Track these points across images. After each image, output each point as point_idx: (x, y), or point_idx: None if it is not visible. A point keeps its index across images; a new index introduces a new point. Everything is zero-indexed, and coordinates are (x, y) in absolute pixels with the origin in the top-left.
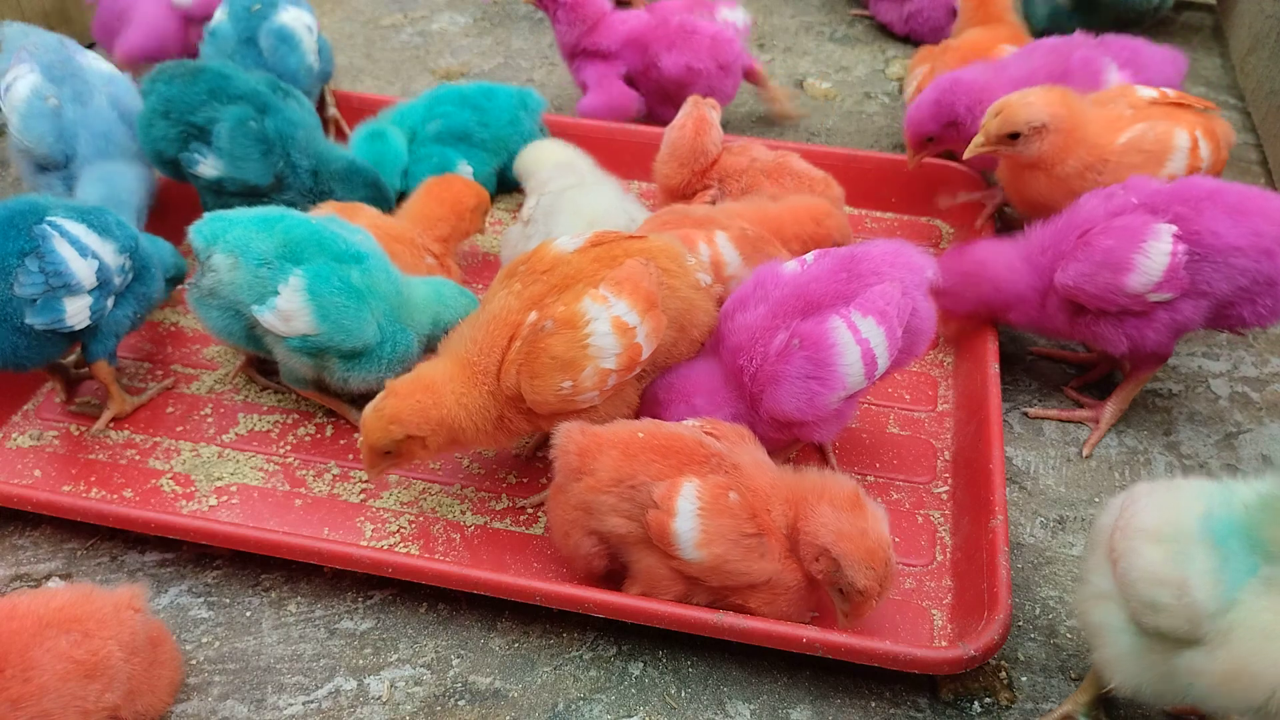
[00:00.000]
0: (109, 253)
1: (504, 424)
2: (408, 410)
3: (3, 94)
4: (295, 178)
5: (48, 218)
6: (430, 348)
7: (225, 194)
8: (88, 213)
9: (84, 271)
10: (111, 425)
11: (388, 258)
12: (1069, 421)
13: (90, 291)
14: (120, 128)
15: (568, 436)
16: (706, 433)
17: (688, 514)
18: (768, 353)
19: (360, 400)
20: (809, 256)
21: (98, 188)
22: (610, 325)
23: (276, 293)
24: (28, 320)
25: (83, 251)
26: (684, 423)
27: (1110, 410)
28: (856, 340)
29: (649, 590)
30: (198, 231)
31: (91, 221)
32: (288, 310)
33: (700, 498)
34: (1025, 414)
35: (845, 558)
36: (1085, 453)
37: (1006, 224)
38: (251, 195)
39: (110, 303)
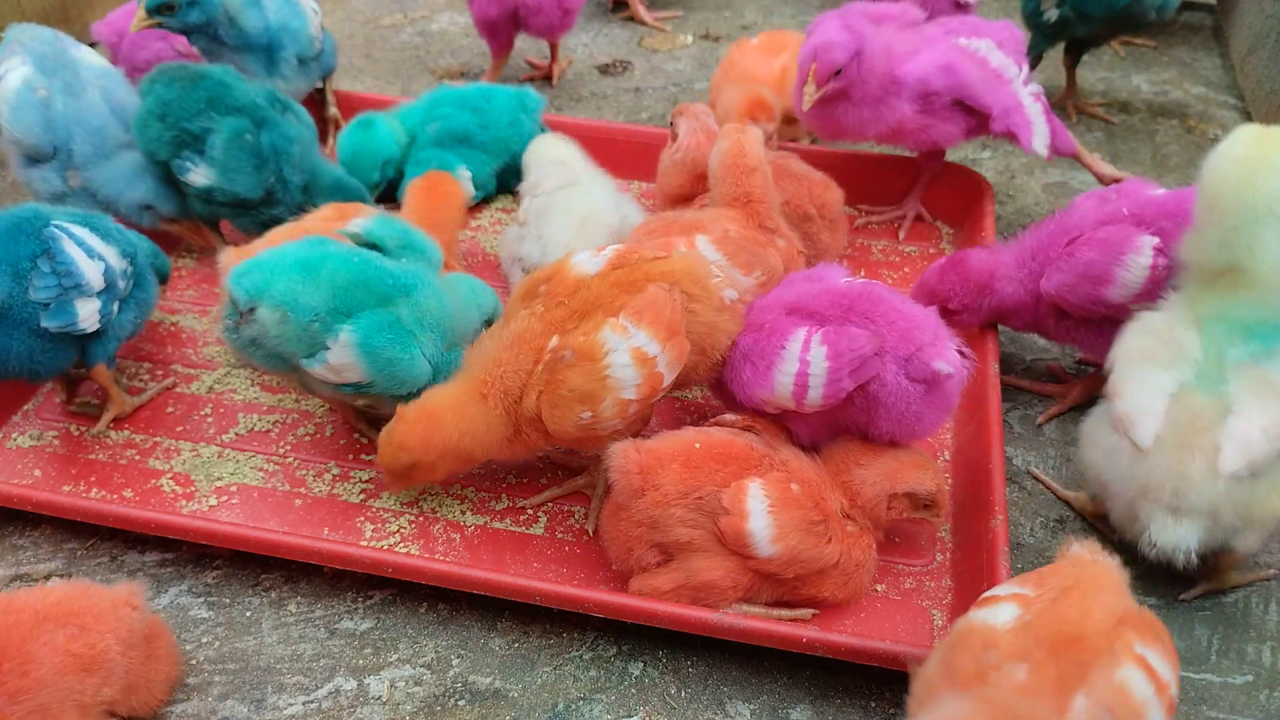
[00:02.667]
0: (113, 256)
1: (521, 439)
2: (415, 438)
3: None
4: (286, 193)
5: (54, 221)
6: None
7: (214, 203)
8: (89, 218)
9: (93, 272)
10: (111, 426)
11: (434, 272)
12: (1039, 393)
13: (98, 294)
14: (113, 121)
15: (626, 457)
16: (744, 428)
17: (759, 513)
18: (750, 324)
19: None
20: (854, 277)
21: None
22: (630, 357)
23: (326, 347)
24: (44, 323)
25: (90, 253)
26: (725, 416)
27: (1078, 391)
28: (800, 358)
29: (707, 595)
30: (238, 284)
31: (94, 225)
32: (339, 365)
33: (768, 495)
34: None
35: (908, 483)
36: (1040, 422)
37: (1008, 226)
38: (239, 206)
39: (116, 307)
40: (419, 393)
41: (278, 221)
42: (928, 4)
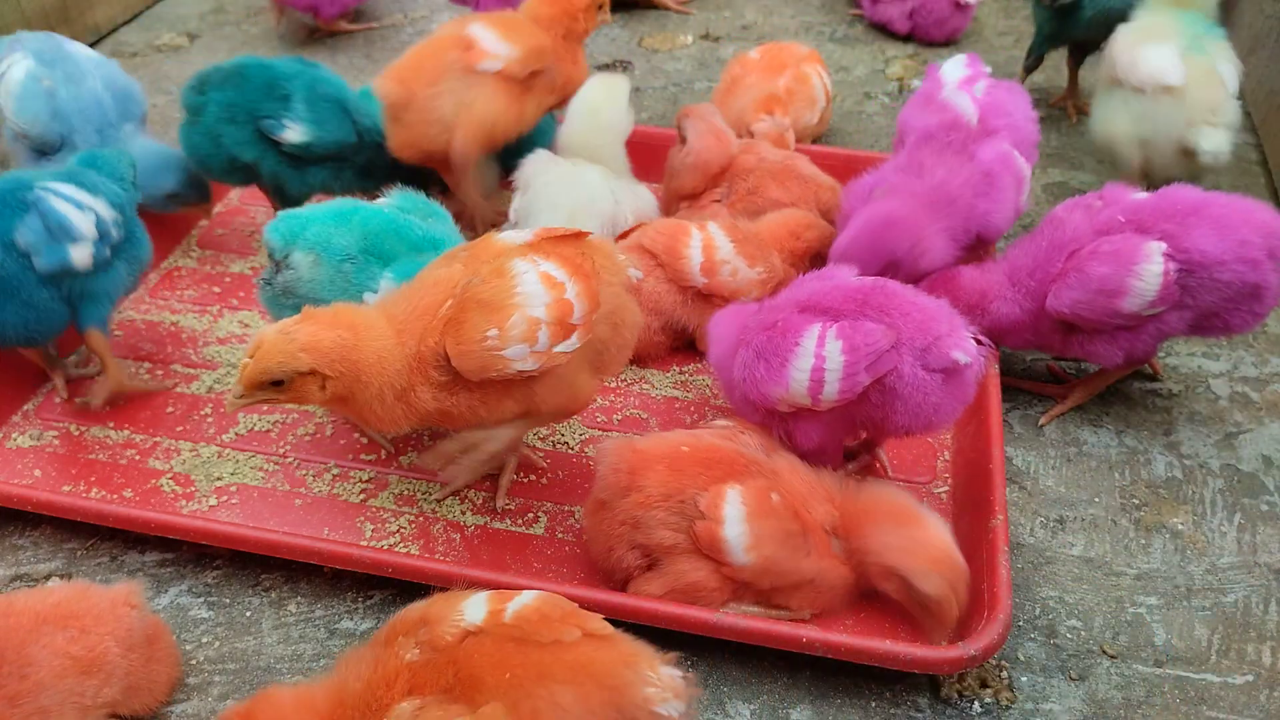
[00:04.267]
0: (102, 207)
1: (408, 399)
2: (328, 342)
3: None
4: (368, 135)
5: (37, 184)
6: None
7: (310, 162)
8: (73, 174)
9: (84, 223)
10: (112, 426)
11: (458, 233)
12: (1039, 393)
13: (93, 242)
14: (117, 107)
15: (620, 455)
16: (739, 433)
17: (735, 520)
18: (762, 324)
19: None
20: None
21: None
22: (538, 277)
23: (363, 296)
24: (38, 266)
25: (79, 206)
26: (715, 423)
27: (1079, 392)
28: (815, 353)
29: (695, 597)
30: (274, 231)
31: (80, 181)
32: None
33: (745, 503)
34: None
35: (912, 573)
36: (1041, 423)
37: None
38: (338, 159)
39: (109, 252)
40: None
41: (370, 171)
42: (927, 6)
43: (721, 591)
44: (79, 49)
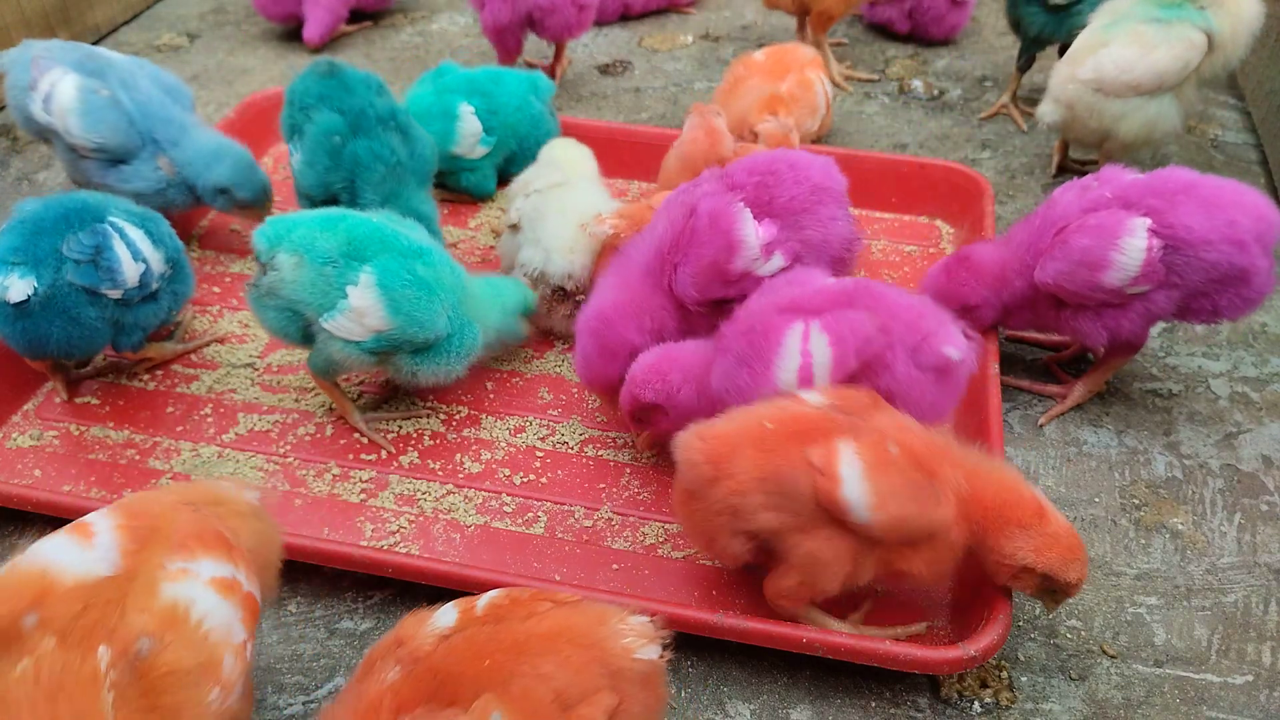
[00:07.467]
0: (158, 261)
1: None
2: None
3: (43, 107)
4: (353, 208)
5: (110, 216)
6: (490, 346)
7: (302, 194)
8: (145, 219)
9: (130, 272)
10: (112, 426)
11: (449, 254)
12: (1040, 394)
13: (126, 289)
14: (174, 104)
15: (690, 447)
16: (831, 404)
17: (854, 479)
18: (738, 329)
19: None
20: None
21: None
22: (212, 589)
23: (344, 294)
24: (70, 277)
25: (136, 256)
26: (808, 395)
27: (1079, 390)
28: (801, 351)
29: (812, 576)
30: (261, 234)
31: (150, 228)
32: (361, 307)
33: (862, 458)
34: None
35: (1052, 569)
36: (1041, 423)
37: (1007, 226)
38: (305, 200)
39: (137, 296)
40: (435, 345)
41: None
42: (925, 3)
43: (855, 555)
44: (108, 53)
